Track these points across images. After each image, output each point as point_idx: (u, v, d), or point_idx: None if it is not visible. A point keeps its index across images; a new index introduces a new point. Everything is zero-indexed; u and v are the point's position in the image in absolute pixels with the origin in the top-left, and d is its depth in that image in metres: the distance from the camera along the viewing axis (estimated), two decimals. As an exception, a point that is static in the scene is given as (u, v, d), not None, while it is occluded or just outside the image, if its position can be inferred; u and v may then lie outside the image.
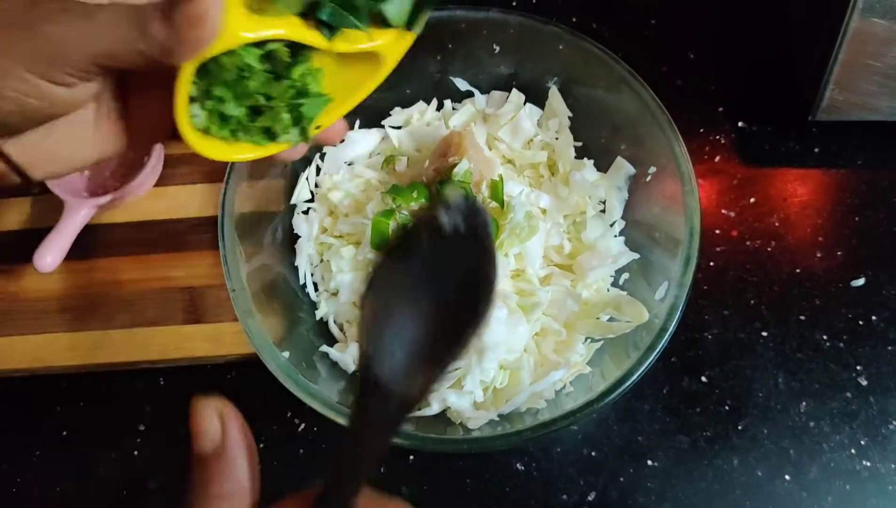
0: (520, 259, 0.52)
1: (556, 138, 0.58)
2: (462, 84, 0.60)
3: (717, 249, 0.59)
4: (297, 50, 0.34)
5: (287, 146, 0.37)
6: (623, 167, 0.55)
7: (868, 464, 0.53)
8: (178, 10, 0.29)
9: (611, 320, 0.51)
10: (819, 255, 0.59)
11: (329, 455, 0.54)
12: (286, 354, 0.47)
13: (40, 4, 0.29)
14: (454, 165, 0.52)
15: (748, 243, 0.60)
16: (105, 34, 0.30)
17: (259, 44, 0.32)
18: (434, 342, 0.25)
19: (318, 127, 0.37)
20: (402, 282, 0.26)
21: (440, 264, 0.26)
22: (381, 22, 0.35)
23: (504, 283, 0.51)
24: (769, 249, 0.59)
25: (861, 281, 0.58)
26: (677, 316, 0.45)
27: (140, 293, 0.58)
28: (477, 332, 0.25)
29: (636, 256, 0.53)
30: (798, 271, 0.59)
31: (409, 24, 0.36)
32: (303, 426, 0.55)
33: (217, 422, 0.28)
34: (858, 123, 0.61)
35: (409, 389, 0.25)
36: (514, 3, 0.70)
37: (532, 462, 0.53)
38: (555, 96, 0.58)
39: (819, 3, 0.57)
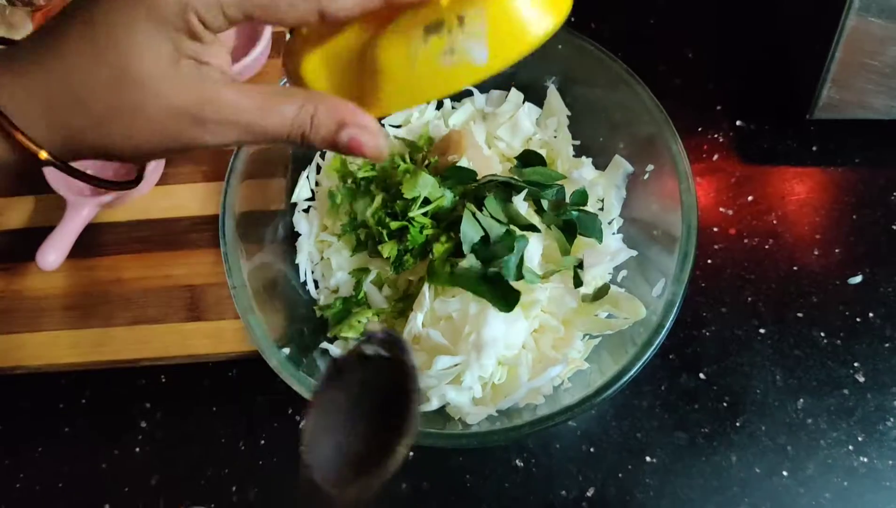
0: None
1: (555, 137, 0.58)
2: (461, 83, 0.60)
3: (715, 246, 0.60)
4: None
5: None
6: (621, 166, 0.55)
7: (865, 460, 0.53)
8: (350, 133, 0.31)
9: (609, 317, 0.51)
10: (817, 252, 0.59)
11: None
12: (286, 350, 0.47)
13: (208, 82, 0.30)
14: (454, 164, 0.52)
15: (746, 240, 0.60)
16: (259, 126, 0.30)
17: None
18: (367, 453, 0.30)
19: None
20: (339, 402, 0.31)
21: (370, 387, 0.31)
22: None
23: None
24: (767, 246, 0.60)
25: (858, 278, 0.58)
26: (674, 312, 0.46)
27: (142, 291, 0.58)
28: (405, 445, 0.29)
29: (634, 253, 0.53)
30: (796, 268, 0.59)
31: None
32: (304, 422, 0.55)
33: None
34: (856, 121, 0.61)
35: (346, 494, 0.30)
36: (513, 3, 0.71)
37: (531, 458, 0.53)
38: (553, 95, 0.58)
39: (816, 3, 0.57)
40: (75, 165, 0.32)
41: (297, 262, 0.56)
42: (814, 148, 0.63)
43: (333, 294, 0.55)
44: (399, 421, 0.30)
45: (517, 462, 0.53)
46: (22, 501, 0.54)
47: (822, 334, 0.57)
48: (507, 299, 0.47)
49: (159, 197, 0.61)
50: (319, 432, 0.31)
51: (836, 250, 0.59)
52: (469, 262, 0.48)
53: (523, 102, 0.59)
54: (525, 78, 0.59)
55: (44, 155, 0.30)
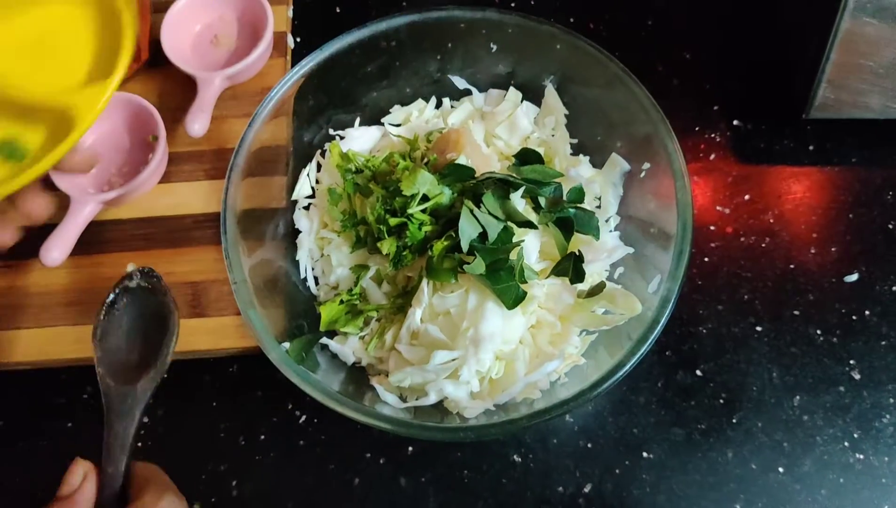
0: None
1: (553, 136, 0.59)
2: (460, 82, 0.61)
3: (712, 245, 0.60)
4: None
5: None
6: (618, 164, 0.56)
7: (861, 457, 0.53)
8: None
9: (605, 313, 0.51)
10: (813, 251, 0.60)
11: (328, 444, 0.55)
12: (287, 345, 0.48)
13: None
14: (452, 161, 0.53)
15: (743, 239, 0.60)
16: None
17: None
18: (144, 356, 0.42)
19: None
20: (118, 326, 0.43)
21: (141, 308, 0.43)
22: None
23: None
24: (763, 245, 0.60)
25: (854, 277, 0.59)
26: (669, 308, 0.46)
27: (144, 288, 0.59)
28: (171, 347, 0.42)
29: (630, 250, 0.53)
30: (792, 266, 0.59)
31: None
32: (303, 417, 0.56)
33: (80, 478, 0.40)
34: (852, 121, 0.61)
35: (135, 390, 0.41)
36: (513, 4, 0.71)
37: (529, 453, 0.54)
38: (551, 94, 0.59)
39: (811, 4, 0.58)
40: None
41: (297, 258, 0.56)
42: (810, 147, 0.64)
43: (333, 290, 0.55)
44: (165, 329, 0.41)
45: (515, 457, 0.54)
46: (24, 496, 0.55)
47: (819, 331, 0.57)
48: (513, 296, 0.48)
49: (162, 195, 0.62)
50: (107, 349, 0.42)
51: (833, 249, 0.60)
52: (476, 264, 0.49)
53: (521, 101, 0.60)
54: (523, 77, 0.60)
55: None
